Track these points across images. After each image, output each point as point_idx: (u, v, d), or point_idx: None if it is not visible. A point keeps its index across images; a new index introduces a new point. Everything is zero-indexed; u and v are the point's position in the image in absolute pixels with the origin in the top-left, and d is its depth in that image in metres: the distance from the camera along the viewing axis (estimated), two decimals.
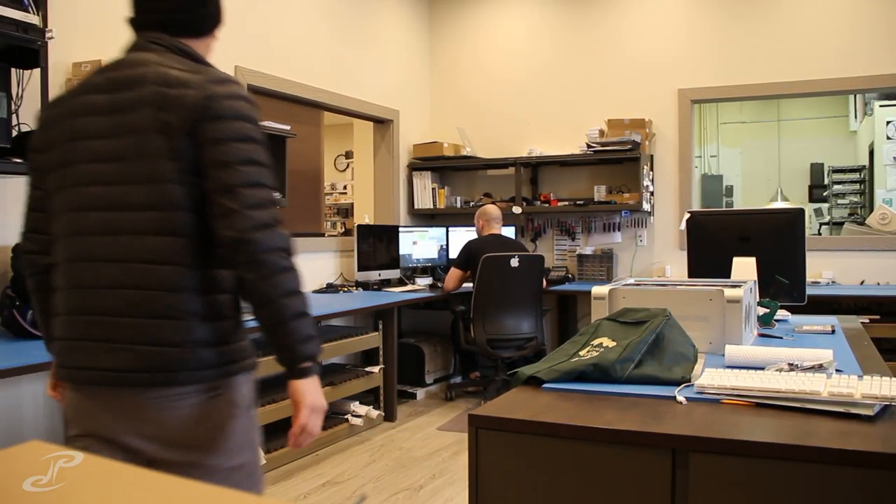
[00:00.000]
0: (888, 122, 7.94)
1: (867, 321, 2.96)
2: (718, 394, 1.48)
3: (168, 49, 1.54)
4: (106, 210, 1.47)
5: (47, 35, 2.77)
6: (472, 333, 4.65)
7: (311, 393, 1.49)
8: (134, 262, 1.45)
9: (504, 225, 5.11)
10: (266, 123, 3.93)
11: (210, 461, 1.50)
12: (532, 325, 4.71)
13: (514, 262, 4.58)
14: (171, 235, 1.45)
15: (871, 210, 6.85)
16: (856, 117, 9.42)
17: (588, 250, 5.54)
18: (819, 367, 1.60)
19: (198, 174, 1.44)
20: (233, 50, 4.15)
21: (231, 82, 1.51)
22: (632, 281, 2.32)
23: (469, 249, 4.78)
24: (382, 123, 5.73)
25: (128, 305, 1.44)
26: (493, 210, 5.02)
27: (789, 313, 2.73)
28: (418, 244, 5.50)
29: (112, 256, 1.46)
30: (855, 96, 9.01)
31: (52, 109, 1.59)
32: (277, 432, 3.71)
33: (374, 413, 4.35)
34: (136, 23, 1.58)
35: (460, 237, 5.48)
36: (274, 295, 1.45)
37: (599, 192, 5.46)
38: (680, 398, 1.48)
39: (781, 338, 2.25)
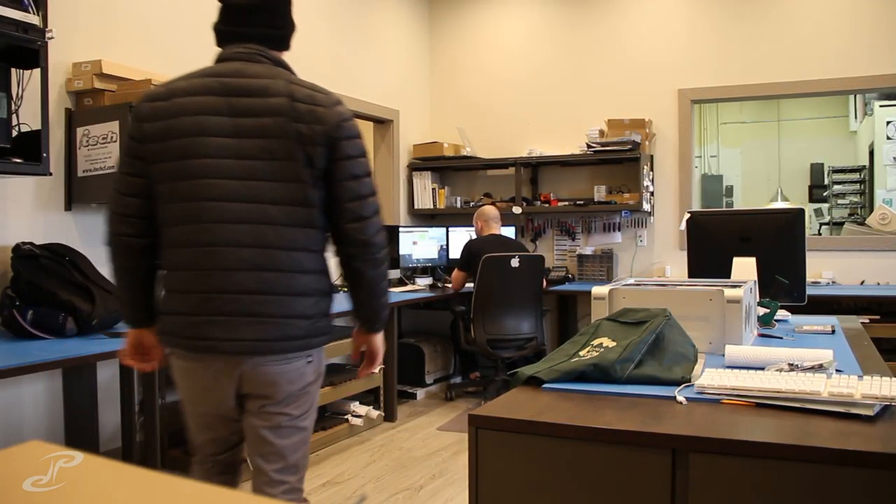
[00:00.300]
0: (888, 122, 7.94)
1: (867, 321, 2.96)
2: (718, 394, 1.48)
3: (273, 63, 1.79)
4: (242, 202, 1.68)
5: (47, 35, 2.77)
6: (472, 333, 4.65)
7: (381, 340, 1.99)
8: (273, 249, 1.70)
9: (504, 225, 5.11)
10: None
11: (293, 415, 1.80)
12: (532, 326, 4.71)
13: (515, 263, 4.58)
14: (309, 227, 1.74)
15: (871, 210, 6.85)
16: (856, 117, 9.42)
17: (588, 250, 5.54)
18: (819, 368, 1.60)
19: (324, 179, 1.74)
20: None
21: (343, 103, 1.81)
22: (632, 281, 2.32)
23: (469, 250, 4.78)
24: (382, 123, 5.73)
25: (268, 285, 1.69)
26: (490, 210, 5.02)
27: (789, 313, 2.73)
28: (418, 244, 5.50)
29: (251, 243, 1.69)
30: (855, 96, 9.01)
31: (156, 102, 1.74)
32: None
33: (375, 413, 4.35)
34: (228, 34, 1.80)
35: (460, 237, 5.48)
36: (377, 280, 1.84)
37: (599, 193, 5.46)
38: (680, 398, 1.48)
39: (781, 338, 2.24)
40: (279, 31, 1.83)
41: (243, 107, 1.70)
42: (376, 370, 2.05)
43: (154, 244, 1.79)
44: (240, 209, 1.68)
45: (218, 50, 1.84)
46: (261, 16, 1.78)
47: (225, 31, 1.80)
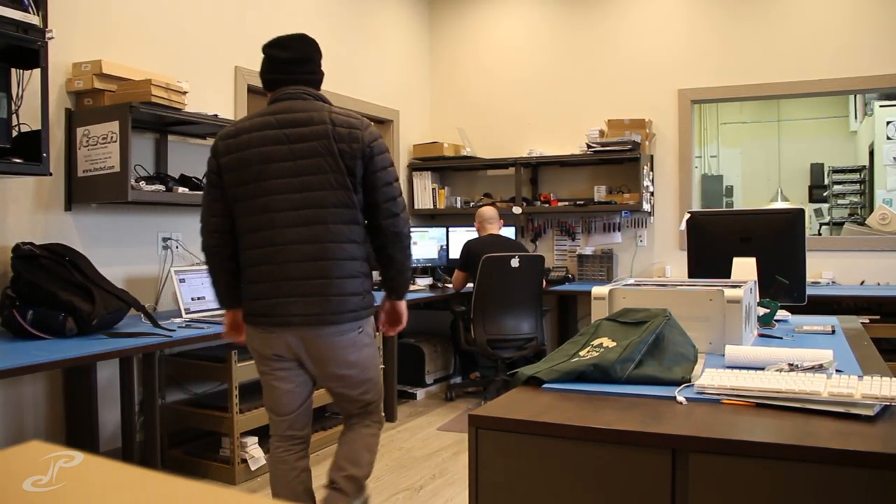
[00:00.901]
0: (888, 123, 7.94)
1: (867, 321, 2.96)
2: (718, 394, 1.48)
3: (314, 98, 2.28)
4: (301, 209, 2.17)
5: (47, 35, 2.77)
6: (472, 334, 4.65)
7: (405, 306, 2.50)
8: (326, 242, 2.19)
9: (504, 225, 5.11)
10: None
11: (352, 375, 2.35)
12: (532, 326, 4.71)
13: (515, 263, 4.58)
14: (353, 224, 2.23)
15: (871, 210, 6.85)
16: (856, 117, 9.42)
17: (588, 250, 5.54)
18: (819, 368, 1.60)
19: (362, 185, 2.23)
20: (233, 50, 4.15)
21: (372, 125, 2.29)
22: (632, 281, 2.31)
23: (468, 250, 4.79)
24: (382, 123, 5.73)
25: (325, 271, 2.19)
26: (488, 211, 5.02)
27: (789, 313, 2.73)
28: (418, 244, 5.49)
29: (309, 239, 2.18)
30: (855, 96, 9.01)
31: (228, 140, 2.24)
32: None
33: None
34: (280, 81, 2.28)
35: (460, 237, 5.48)
36: (405, 262, 2.36)
37: (599, 193, 5.46)
38: (680, 398, 1.48)
39: (781, 338, 2.24)
40: (314, 76, 2.34)
41: (296, 135, 2.19)
42: (400, 329, 2.55)
43: (235, 250, 2.30)
44: (300, 215, 2.18)
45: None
46: (301, 66, 2.28)
47: (273, 79, 2.30)
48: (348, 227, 2.22)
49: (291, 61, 2.27)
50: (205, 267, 2.40)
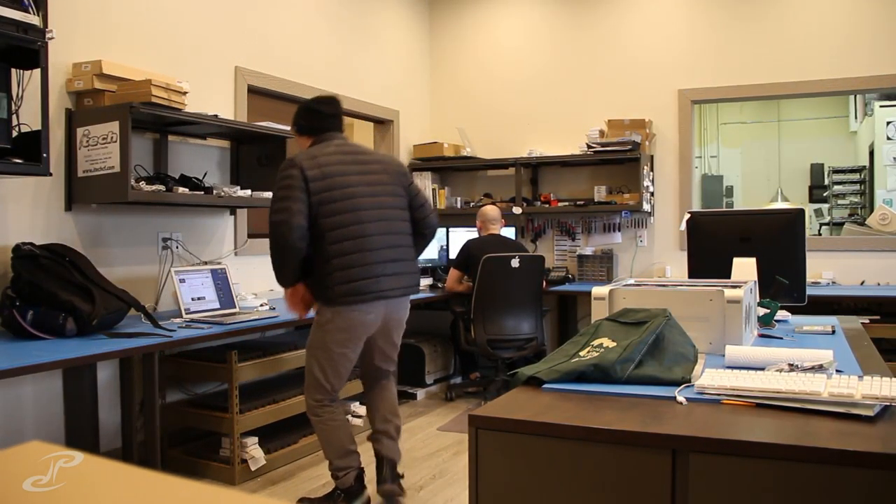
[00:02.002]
0: (888, 123, 7.94)
1: (867, 321, 2.95)
2: (718, 394, 1.48)
3: (350, 142, 3.09)
4: (376, 210, 2.89)
5: (47, 35, 2.77)
6: (473, 334, 4.65)
7: None
8: (396, 234, 2.95)
9: (505, 225, 5.11)
10: (265, 124, 3.93)
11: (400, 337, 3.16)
12: (532, 326, 4.71)
13: (515, 263, 4.58)
14: (407, 222, 3.04)
15: (872, 210, 6.85)
16: (856, 118, 9.42)
17: (588, 251, 5.54)
18: (819, 368, 1.60)
19: (408, 199, 3.07)
20: (233, 50, 4.15)
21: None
22: (632, 281, 2.31)
23: (467, 249, 4.78)
24: (382, 124, 5.73)
25: (400, 255, 2.94)
26: (491, 211, 5.02)
27: (789, 314, 2.73)
28: None
29: (385, 231, 2.90)
30: (855, 96, 9.01)
31: (316, 170, 2.81)
32: (278, 432, 3.72)
33: None
34: (318, 128, 2.98)
35: (460, 237, 5.47)
36: (427, 245, 3.24)
37: (599, 193, 5.46)
38: (680, 398, 1.48)
39: (782, 338, 2.24)
40: (342, 126, 3.11)
41: (361, 162, 2.94)
42: None
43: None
44: (376, 217, 2.88)
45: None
46: (338, 118, 3.06)
47: (316, 127, 2.99)
48: (406, 225, 3.03)
49: (331, 115, 3.03)
50: (274, 255, 2.86)
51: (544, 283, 4.91)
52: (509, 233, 5.42)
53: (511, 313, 4.64)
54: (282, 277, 2.89)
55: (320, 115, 2.98)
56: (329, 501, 2.98)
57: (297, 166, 2.79)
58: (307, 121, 3.01)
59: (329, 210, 2.79)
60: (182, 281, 3.47)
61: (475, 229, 5.11)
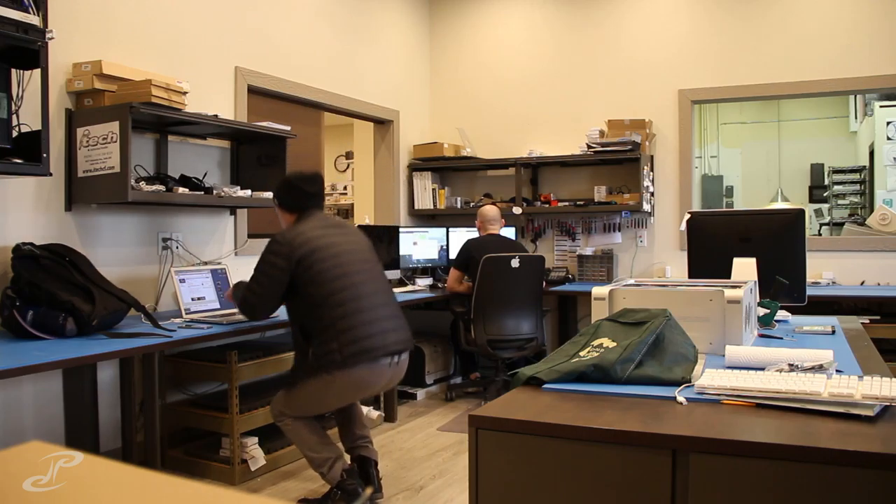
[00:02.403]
0: (888, 123, 7.93)
1: (867, 322, 2.95)
2: (719, 394, 1.48)
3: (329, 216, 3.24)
4: (365, 271, 3.02)
5: (47, 35, 2.77)
6: (473, 334, 4.65)
7: None
8: (385, 293, 3.07)
9: (505, 225, 5.11)
10: (265, 124, 3.93)
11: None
12: (532, 326, 4.71)
13: (515, 263, 4.58)
14: (388, 283, 3.17)
15: (872, 210, 6.84)
16: (856, 118, 9.42)
17: (588, 251, 5.54)
18: (819, 368, 1.60)
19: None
20: (233, 50, 4.15)
21: None
22: (632, 281, 2.32)
23: (467, 249, 4.78)
24: (382, 124, 5.73)
25: (394, 311, 3.04)
26: (490, 211, 5.02)
27: (789, 314, 2.73)
28: (418, 245, 5.49)
29: (378, 290, 3.02)
30: (855, 97, 9.01)
31: (304, 247, 2.91)
32: (278, 432, 3.71)
33: (375, 414, 4.35)
34: (303, 206, 3.07)
35: (460, 238, 5.48)
36: None
37: (600, 193, 5.46)
38: (680, 399, 1.48)
39: (782, 338, 2.24)
40: (323, 203, 3.21)
41: (343, 233, 3.09)
42: None
43: None
44: (367, 277, 3.00)
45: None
46: (321, 197, 3.15)
47: (301, 205, 3.08)
48: (388, 281, 3.21)
49: (314, 195, 3.13)
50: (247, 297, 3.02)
51: (544, 284, 4.91)
52: (509, 233, 5.42)
53: (511, 313, 4.64)
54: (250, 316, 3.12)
55: (305, 195, 3.07)
56: (328, 501, 2.98)
57: (287, 244, 2.91)
58: (293, 199, 3.09)
59: (322, 279, 2.88)
60: (182, 281, 3.47)
61: (475, 229, 5.11)
